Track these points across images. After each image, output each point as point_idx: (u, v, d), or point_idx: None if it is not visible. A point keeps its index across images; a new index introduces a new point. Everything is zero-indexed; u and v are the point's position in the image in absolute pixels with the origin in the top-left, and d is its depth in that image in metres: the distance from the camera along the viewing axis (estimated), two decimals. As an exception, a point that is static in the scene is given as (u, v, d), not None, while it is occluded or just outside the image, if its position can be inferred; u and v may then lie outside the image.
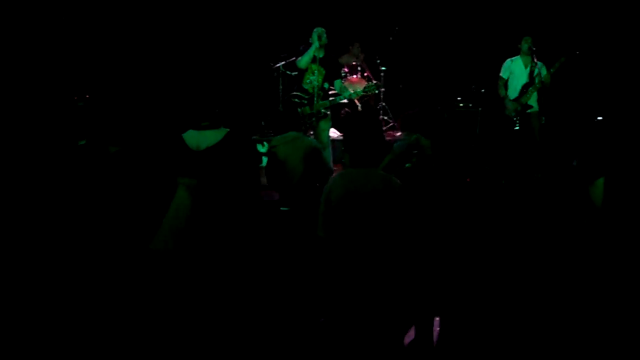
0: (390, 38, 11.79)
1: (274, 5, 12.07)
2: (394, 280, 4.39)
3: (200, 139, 5.17)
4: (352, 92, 8.86)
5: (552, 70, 9.08)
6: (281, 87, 9.78)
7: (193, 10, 11.71)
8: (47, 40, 10.55)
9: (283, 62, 9.90)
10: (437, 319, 4.86)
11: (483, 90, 11.56)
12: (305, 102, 8.48)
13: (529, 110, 9.33)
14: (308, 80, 8.51)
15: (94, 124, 8.34)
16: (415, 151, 5.91)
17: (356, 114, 11.00)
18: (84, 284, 5.01)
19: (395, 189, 4.49)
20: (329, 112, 8.59)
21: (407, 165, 5.78)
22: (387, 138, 9.18)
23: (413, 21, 12.32)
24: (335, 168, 9.50)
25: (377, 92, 9.10)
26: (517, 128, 9.25)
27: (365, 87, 8.90)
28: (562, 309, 4.16)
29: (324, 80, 8.47)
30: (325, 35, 8.36)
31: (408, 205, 4.46)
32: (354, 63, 11.41)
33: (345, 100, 10.89)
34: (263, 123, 10.82)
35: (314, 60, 8.43)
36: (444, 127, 10.28)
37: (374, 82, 9.98)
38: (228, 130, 5.24)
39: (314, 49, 8.35)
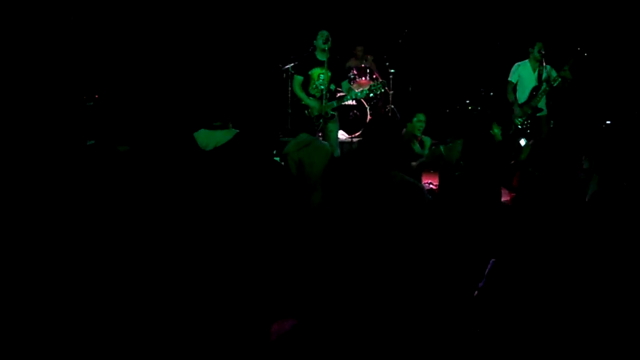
0: (399, 41, 11.78)
1: (283, 6, 12.08)
2: (412, 277, 4.42)
3: (209, 138, 5.19)
4: (358, 92, 8.85)
5: (562, 73, 9.06)
6: (290, 89, 9.79)
7: (203, 10, 11.73)
8: (57, 40, 10.58)
9: (292, 64, 9.91)
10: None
11: (492, 94, 11.55)
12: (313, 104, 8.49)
13: (538, 114, 9.33)
14: (314, 86, 8.52)
15: (103, 123, 8.37)
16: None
17: (377, 120, 11.00)
18: (89, 282, 5.02)
19: (416, 191, 4.52)
20: (335, 114, 8.58)
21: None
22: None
23: (422, 24, 12.31)
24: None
25: (383, 90, 9.06)
26: (523, 142, 9.23)
27: (371, 86, 8.89)
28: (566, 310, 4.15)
29: (330, 82, 8.47)
30: (330, 38, 8.36)
31: (428, 206, 4.49)
32: (362, 66, 11.42)
33: (354, 102, 10.92)
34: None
35: (320, 64, 8.45)
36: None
37: (380, 80, 9.97)
38: (237, 131, 5.26)
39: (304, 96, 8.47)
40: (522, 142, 9.18)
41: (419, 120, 8.81)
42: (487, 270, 4.71)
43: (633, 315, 3.98)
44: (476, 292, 4.83)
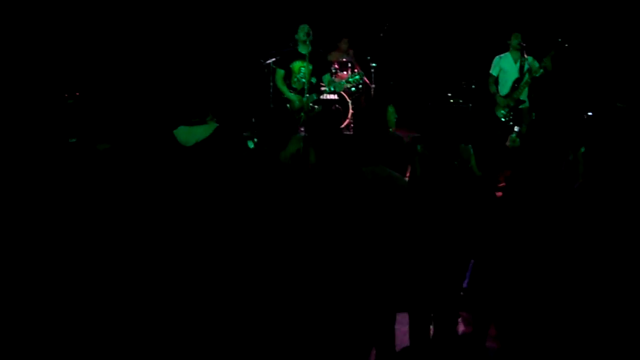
0: (381, 34, 11.76)
1: (264, 1, 12.05)
2: (396, 270, 4.42)
3: (189, 134, 5.17)
4: (337, 84, 8.86)
5: (543, 64, 9.09)
6: (271, 83, 9.77)
7: (183, 6, 11.68)
8: (38, 38, 10.51)
9: (273, 59, 9.88)
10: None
11: (474, 87, 11.56)
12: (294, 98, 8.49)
13: (520, 106, 9.35)
14: (295, 79, 8.53)
15: (84, 121, 8.31)
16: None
17: (366, 113, 10.99)
18: (74, 283, 4.98)
19: (401, 185, 4.52)
20: (317, 107, 8.59)
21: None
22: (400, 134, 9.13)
23: (403, 17, 12.30)
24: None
25: (361, 81, 9.07)
26: (517, 129, 9.25)
27: (348, 78, 8.90)
28: (562, 307, 4.15)
29: (311, 75, 8.47)
30: (311, 32, 8.36)
31: (414, 203, 4.48)
32: (344, 60, 11.38)
33: (336, 97, 10.90)
34: (253, 120, 10.79)
35: (301, 57, 8.45)
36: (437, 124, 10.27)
37: (357, 71, 9.96)
38: (217, 125, 5.23)
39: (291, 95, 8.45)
40: (516, 128, 9.21)
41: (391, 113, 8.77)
42: (469, 270, 4.71)
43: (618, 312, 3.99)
44: (462, 293, 4.84)
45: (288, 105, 8.52)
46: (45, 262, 5.06)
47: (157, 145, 5.33)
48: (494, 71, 9.62)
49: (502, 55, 9.58)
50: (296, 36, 8.55)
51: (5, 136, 7.29)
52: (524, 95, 9.36)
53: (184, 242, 4.91)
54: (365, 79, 11.37)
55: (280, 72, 8.65)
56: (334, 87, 8.87)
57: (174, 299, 4.76)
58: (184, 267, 4.86)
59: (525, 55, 9.24)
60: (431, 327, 4.91)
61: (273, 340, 4.46)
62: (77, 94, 10.30)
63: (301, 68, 8.49)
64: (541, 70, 9.15)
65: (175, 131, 5.26)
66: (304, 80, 8.47)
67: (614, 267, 4.06)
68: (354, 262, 4.38)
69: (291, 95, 8.51)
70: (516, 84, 9.32)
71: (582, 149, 5.30)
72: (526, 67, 9.24)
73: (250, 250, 4.56)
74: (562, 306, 4.09)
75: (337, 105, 11.11)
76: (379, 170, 4.58)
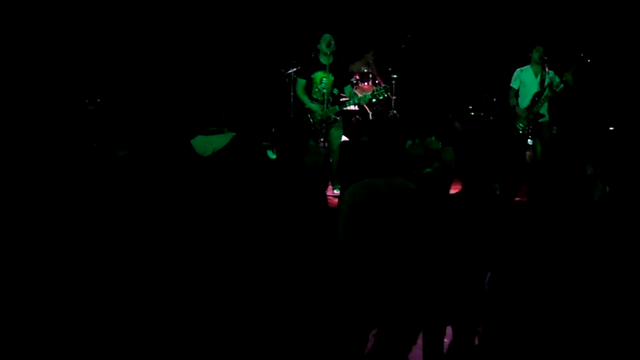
0: (402, 46, 11.75)
1: (285, 11, 12.07)
2: (412, 284, 4.41)
3: (207, 144, 5.17)
4: (360, 97, 8.79)
5: (564, 79, 9.02)
6: (292, 93, 9.76)
7: (204, 15, 11.72)
8: (60, 45, 10.59)
9: (294, 69, 9.87)
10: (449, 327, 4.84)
11: (495, 99, 11.51)
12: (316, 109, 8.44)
13: (540, 120, 9.29)
14: (317, 89, 8.46)
15: (104, 127, 8.36)
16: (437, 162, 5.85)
17: (380, 124, 10.96)
18: (88, 284, 5.00)
19: (417, 198, 4.50)
20: (339, 118, 8.52)
21: (427, 170, 5.72)
22: None
23: (425, 29, 12.28)
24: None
25: (386, 95, 9.01)
26: (530, 142, 9.20)
27: (374, 91, 8.82)
28: (571, 313, 4.12)
29: (333, 86, 8.41)
30: (333, 42, 8.31)
31: (429, 213, 4.47)
32: (365, 70, 11.38)
33: (356, 108, 10.88)
34: (273, 129, 10.81)
35: (322, 67, 8.40)
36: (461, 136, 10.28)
37: (383, 85, 9.93)
38: (234, 134, 5.23)
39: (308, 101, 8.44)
40: (529, 141, 9.16)
41: None
42: (487, 282, 4.68)
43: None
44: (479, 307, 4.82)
45: (309, 116, 8.46)
46: (63, 263, 5.10)
47: (175, 154, 5.34)
48: (514, 84, 9.55)
49: (523, 68, 9.52)
50: (318, 46, 8.48)
51: (28, 141, 7.35)
52: (543, 110, 9.29)
53: (200, 250, 4.91)
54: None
55: (302, 82, 8.57)
56: (359, 100, 8.81)
57: (194, 305, 4.77)
58: (198, 273, 4.87)
59: (547, 69, 9.17)
60: (445, 340, 4.89)
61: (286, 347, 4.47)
62: (98, 100, 10.38)
63: (323, 79, 8.41)
64: (562, 85, 9.08)
65: (192, 141, 5.27)
66: (325, 90, 8.41)
67: (635, 281, 4.03)
68: (369, 272, 4.39)
69: (313, 106, 8.44)
70: (536, 98, 9.26)
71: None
72: (547, 81, 9.17)
73: (267, 259, 4.56)
74: (577, 319, 4.06)
75: (357, 117, 11.11)
76: (394, 181, 4.57)
